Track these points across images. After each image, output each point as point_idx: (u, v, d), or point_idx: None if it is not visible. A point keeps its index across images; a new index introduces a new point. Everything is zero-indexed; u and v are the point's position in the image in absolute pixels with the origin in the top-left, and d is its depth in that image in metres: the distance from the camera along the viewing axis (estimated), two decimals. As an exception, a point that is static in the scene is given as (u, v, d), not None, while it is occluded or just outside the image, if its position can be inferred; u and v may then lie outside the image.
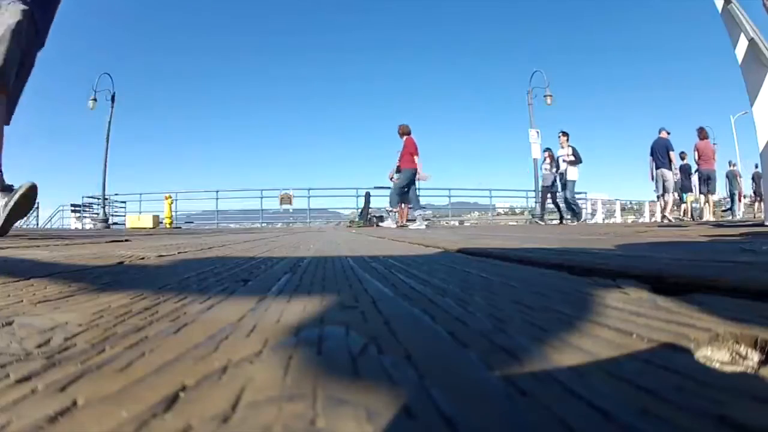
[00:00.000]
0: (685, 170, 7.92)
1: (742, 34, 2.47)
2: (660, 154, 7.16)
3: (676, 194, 7.34)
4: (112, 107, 9.52)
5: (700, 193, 7.75)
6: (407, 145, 5.83)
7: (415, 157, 5.77)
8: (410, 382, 0.16)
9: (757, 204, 9.29)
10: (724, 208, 9.76)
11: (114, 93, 9.56)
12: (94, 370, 0.18)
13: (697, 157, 7.71)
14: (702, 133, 7.83)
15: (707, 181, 7.67)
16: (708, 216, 7.53)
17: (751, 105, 2.44)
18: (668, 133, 7.22)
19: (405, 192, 5.86)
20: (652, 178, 7.25)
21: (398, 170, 5.85)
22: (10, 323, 0.27)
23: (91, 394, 0.16)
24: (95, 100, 9.60)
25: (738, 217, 8.31)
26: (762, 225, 2.45)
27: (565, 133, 6.56)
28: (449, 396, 0.15)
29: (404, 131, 5.91)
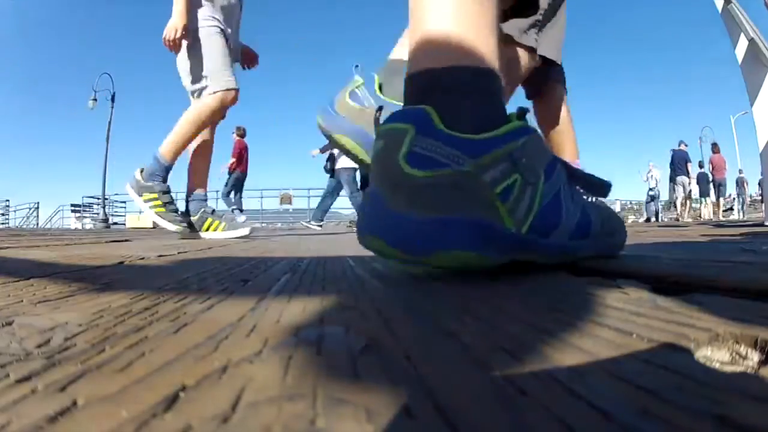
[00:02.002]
0: (703, 178, 9.99)
1: (742, 34, 2.47)
2: (679, 164, 9.05)
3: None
4: (112, 107, 9.53)
5: (715, 196, 9.81)
6: (237, 147, 5.78)
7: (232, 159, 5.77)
8: (410, 382, 0.16)
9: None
10: (725, 208, 11.11)
11: (114, 93, 9.58)
12: (94, 370, 0.18)
13: (711, 168, 9.94)
14: (715, 148, 9.97)
15: (719, 187, 9.83)
16: (714, 215, 9.13)
17: (751, 105, 2.45)
18: (686, 146, 9.27)
19: (230, 194, 5.84)
20: (672, 182, 9.13)
21: (229, 173, 5.84)
22: (10, 323, 0.27)
23: (91, 394, 0.16)
24: (95, 99, 9.62)
25: (739, 217, 9.35)
26: (762, 225, 2.45)
27: None
28: (449, 396, 0.15)
29: (240, 133, 5.82)
